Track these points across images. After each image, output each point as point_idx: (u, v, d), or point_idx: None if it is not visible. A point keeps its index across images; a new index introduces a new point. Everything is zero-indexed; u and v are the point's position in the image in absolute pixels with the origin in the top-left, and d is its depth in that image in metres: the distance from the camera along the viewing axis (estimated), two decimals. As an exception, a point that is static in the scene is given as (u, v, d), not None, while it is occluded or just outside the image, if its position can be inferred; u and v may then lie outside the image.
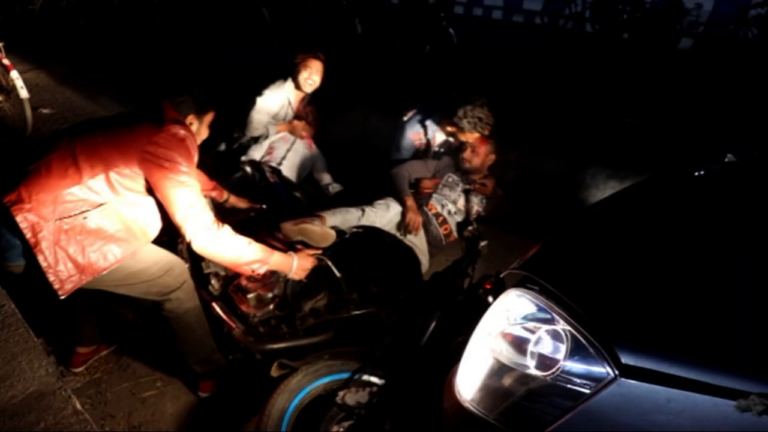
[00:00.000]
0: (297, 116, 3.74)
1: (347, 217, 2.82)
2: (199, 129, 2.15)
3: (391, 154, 3.50)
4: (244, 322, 2.20)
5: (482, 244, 2.12)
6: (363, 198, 3.06)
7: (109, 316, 2.55)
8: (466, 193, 2.25)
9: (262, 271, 2.04)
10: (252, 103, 3.57)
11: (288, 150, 3.62)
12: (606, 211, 1.77)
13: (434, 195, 3.18)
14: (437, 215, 3.12)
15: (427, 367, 1.80)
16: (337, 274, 2.24)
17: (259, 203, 2.68)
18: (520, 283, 1.35)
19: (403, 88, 4.70)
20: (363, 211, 2.92)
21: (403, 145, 3.45)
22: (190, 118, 2.08)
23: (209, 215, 1.92)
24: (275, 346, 2.14)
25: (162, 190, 1.86)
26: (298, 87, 3.58)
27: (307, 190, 3.22)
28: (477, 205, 3.21)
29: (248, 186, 2.91)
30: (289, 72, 3.59)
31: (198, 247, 1.91)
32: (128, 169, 1.84)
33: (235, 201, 2.64)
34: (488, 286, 1.70)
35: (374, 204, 3.00)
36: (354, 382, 1.87)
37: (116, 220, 1.86)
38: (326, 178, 3.85)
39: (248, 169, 2.88)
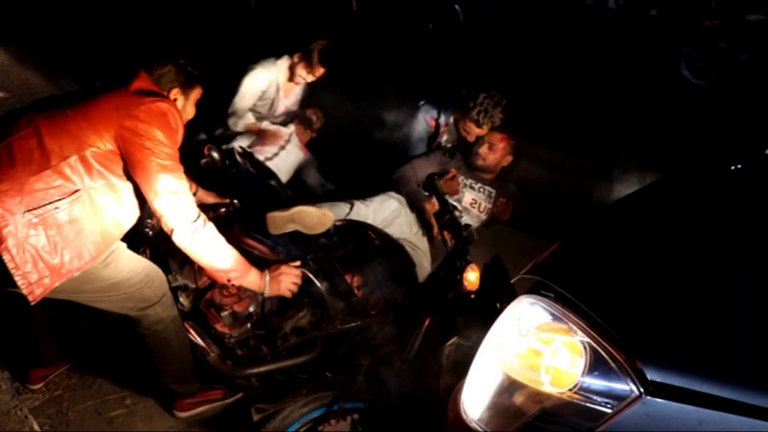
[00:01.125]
0: (302, 117, 3.80)
1: (334, 211, 2.77)
2: (185, 106, 2.07)
3: (404, 144, 3.54)
4: (219, 344, 2.18)
5: (467, 230, 2.09)
6: (358, 195, 3.05)
7: (71, 327, 2.54)
8: (430, 179, 2.23)
9: (237, 283, 2.03)
10: (237, 87, 3.57)
11: (281, 148, 3.64)
12: (630, 209, 1.77)
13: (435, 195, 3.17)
14: None
15: (417, 380, 1.80)
16: (320, 286, 2.20)
17: (229, 197, 2.58)
18: (533, 290, 1.35)
19: (403, 71, 4.70)
20: (352, 205, 2.90)
21: (417, 131, 3.49)
22: (174, 93, 2.01)
23: (194, 207, 1.89)
24: (256, 370, 2.13)
25: (141, 172, 1.81)
26: (291, 78, 3.63)
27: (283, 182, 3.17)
28: (481, 202, 3.21)
29: (215, 175, 2.76)
30: (282, 52, 3.63)
31: (178, 240, 1.88)
32: (105, 147, 1.79)
33: (203, 195, 2.53)
34: (472, 273, 1.68)
35: (368, 199, 2.98)
36: (334, 413, 1.86)
37: (90, 210, 1.80)
38: (315, 178, 3.88)
39: (215, 154, 2.71)
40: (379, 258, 2.42)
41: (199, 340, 2.16)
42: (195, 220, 1.88)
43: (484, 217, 3.26)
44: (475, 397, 1.37)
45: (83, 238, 1.80)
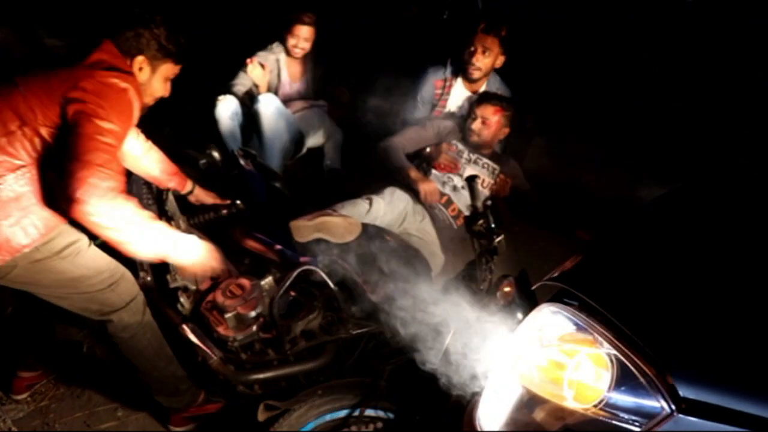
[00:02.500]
0: (330, 95, 4.03)
1: (355, 210, 2.81)
2: (150, 80, 1.97)
3: (408, 108, 3.63)
4: (222, 348, 2.17)
5: (498, 239, 2.07)
6: (365, 186, 3.08)
7: (59, 334, 2.55)
8: (470, 181, 2.23)
9: (172, 260, 1.97)
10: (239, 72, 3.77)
11: (308, 107, 3.91)
12: (661, 211, 1.76)
13: (435, 172, 3.23)
14: (440, 195, 3.14)
15: (441, 394, 1.79)
16: (333, 287, 2.21)
17: (230, 198, 2.60)
18: (556, 298, 1.35)
19: (416, 60, 4.70)
20: (370, 201, 2.93)
21: (423, 96, 3.59)
22: (139, 61, 1.91)
23: (117, 183, 1.75)
24: (261, 376, 2.12)
25: (77, 143, 1.70)
26: (288, 54, 3.84)
27: (286, 180, 3.21)
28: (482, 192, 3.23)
29: (215, 175, 2.79)
30: (278, 35, 3.81)
31: (86, 211, 1.69)
32: (51, 121, 1.76)
33: (201, 194, 2.52)
34: (508, 288, 1.68)
35: (380, 192, 3.01)
36: (355, 419, 1.85)
37: (36, 186, 1.79)
38: (333, 157, 4.02)
39: (215, 154, 2.74)
40: (395, 261, 2.43)
41: (200, 344, 2.14)
42: (112, 191, 1.72)
43: (486, 192, 3.27)
44: (493, 413, 1.37)
45: (30, 215, 1.79)
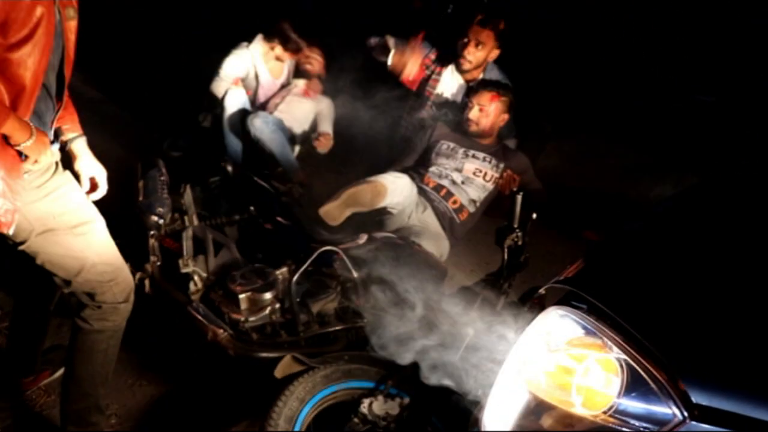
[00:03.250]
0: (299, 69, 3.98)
1: (377, 177, 2.90)
2: None
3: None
4: (233, 328, 2.24)
5: (525, 256, 2.13)
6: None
7: (52, 335, 2.56)
8: (515, 195, 2.27)
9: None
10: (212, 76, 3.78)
11: (280, 101, 3.86)
12: (675, 211, 1.76)
13: (431, 168, 3.28)
14: (438, 188, 3.19)
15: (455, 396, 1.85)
16: (354, 273, 2.30)
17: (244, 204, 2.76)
18: (564, 300, 1.35)
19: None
20: (387, 175, 3.00)
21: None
22: None
23: None
24: (270, 355, 2.15)
25: None
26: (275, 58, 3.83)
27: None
28: (476, 190, 3.29)
29: (230, 189, 2.97)
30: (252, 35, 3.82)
31: None
32: None
33: (83, 152, 2.15)
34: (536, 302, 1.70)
35: (387, 174, 3.07)
36: (381, 391, 1.96)
37: None
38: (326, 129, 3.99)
39: (229, 168, 2.96)
40: (409, 262, 2.50)
41: (207, 323, 2.21)
42: None
43: (491, 186, 3.30)
44: (498, 419, 1.36)
45: None
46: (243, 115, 3.66)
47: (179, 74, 4.80)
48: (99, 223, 2.00)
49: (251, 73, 3.81)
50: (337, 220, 2.51)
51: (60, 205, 1.90)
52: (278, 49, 3.77)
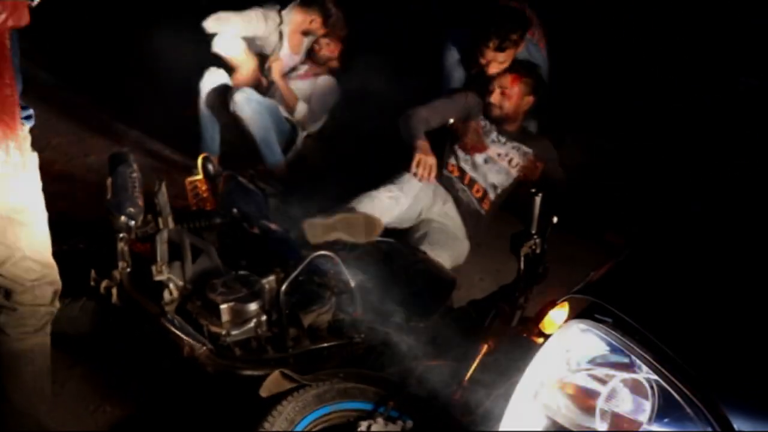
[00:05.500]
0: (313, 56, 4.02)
1: (374, 205, 2.96)
2: None
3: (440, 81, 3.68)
4: (213, 343, 2.23)
5: (544, 266, 2.13)
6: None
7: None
8: (532, 196, 2.29)
9: None
10: None
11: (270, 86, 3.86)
12: (710, 214, 1.76)
13: (458, 151, 3.34)
14: (462, 176, 3.27)
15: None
16: (351, 282, 2.31)
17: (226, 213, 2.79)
18: (586, 313, 1.34)
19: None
20: (390, 193, 3.07)
21: (448, 60, 3.67)
22: None
23: None
24: (255, 372, 2.15)
25: None
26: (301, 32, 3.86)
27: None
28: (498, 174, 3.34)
29: (235, 233, 2.96)
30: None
31: None
32: None
33: None
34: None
35: (398, 181, 3.13)
36: (381, 414, 1.95)
37: None
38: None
39: (210, 166, 3.01)
40: (413, 273, 2.56)
41: (183, 336, 2.19)
42: None
43: (515, 173, 3.38)
44: (512, 449, 1.36)
45: None
46: (223, 94, 3.65)
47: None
48: (41, 215, 1.99)
49: (273, 38, 3.82)
50: (318, 239, 2.53)
51: (5, 187, 1.88)
52: (315, 23, 3.80)
